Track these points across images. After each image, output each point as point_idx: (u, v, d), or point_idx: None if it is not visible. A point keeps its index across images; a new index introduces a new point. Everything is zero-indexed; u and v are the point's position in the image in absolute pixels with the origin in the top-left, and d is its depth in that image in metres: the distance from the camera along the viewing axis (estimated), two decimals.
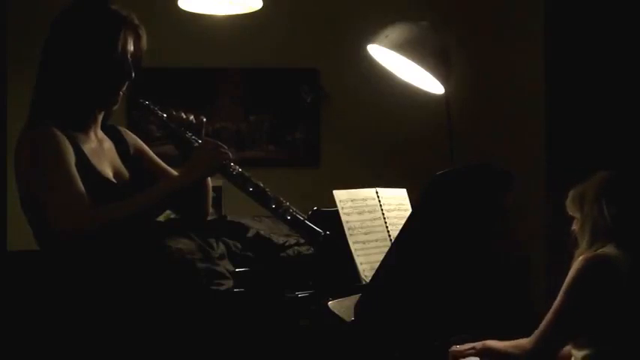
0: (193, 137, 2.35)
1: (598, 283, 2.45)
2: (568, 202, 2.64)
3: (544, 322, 2.47)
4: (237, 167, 2.35)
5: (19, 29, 4.31)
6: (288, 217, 2.32)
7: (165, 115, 2.34)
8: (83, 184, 2.14)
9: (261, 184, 2.36)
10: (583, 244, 2.58)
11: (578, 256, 2.55)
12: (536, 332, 2.47)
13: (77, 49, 2.21)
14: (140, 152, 2.44)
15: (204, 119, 2.40)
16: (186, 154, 2.32)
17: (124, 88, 2.29)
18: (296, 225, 2.33)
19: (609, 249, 2.52)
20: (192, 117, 2.36)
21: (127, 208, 2.15)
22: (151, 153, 2.46)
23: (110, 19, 2.23)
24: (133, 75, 2.26)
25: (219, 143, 2.32)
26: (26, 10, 4.30)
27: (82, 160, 2.18)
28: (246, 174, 2.36)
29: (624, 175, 2.62)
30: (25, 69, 4.19)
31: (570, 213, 2.65)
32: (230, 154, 2.33)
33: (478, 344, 2.53)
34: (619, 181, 2.59)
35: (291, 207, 2.34)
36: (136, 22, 2.28)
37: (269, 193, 2.34)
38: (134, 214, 2.15)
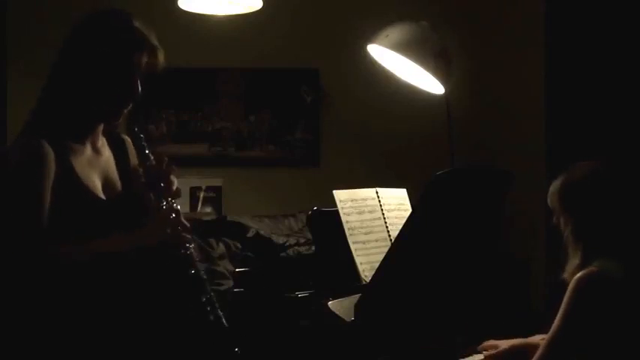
0: (163, 199, 2.27)
1: (596, 303, 2.33)
2: (551, 201, 2.50)
3: (546, 343, 2.37)
4: (191, 247, 2.27)
5: (19, 29, 4.31)
6: (211, 317, 2.23)
7: (154, 160, 2.30)
8: (66, 198, 2.15)
9: (203, 274, 2.28)
10: (575, 260, 2.44)
11: (571, 273, 2.42)
12: (538, 354, 2.39)
13: (91, 63, 2.20)
14: (134, 171, 2.39)
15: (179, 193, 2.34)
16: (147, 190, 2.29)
17: (129, 107, 2.27)
18: (216, 327, 2.26)
19: (603, 263, 2.38)
20: (175, 184, 2.31)
21: (73, 255, 2.14)
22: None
23: (129, 38, 2.21)
24: (139, 95, 2.24)
25: (182, 221, 2.26)
26: (26, 10, 4.30)
27: (67, 175, 2.17)
28: (194, 259, 2.28)
29: (610, 181, 2.47)
30: (25, 69, 4.21)
31: (552, 208, 2.52)
32: (187, 236, 2.26)
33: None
34: (606, 190, 2.45)
35: (218, 309, 2.24)
36: (153, 41, 2.25)
37: (206, 285, 2.26)
38: (79, 263, 2.15)
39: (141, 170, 2.28)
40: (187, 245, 2.25)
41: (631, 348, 2.36)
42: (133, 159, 2.37)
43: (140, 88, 2.24)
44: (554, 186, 2.49)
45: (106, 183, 2.27)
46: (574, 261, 2.44)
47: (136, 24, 2.23)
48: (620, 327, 2.35)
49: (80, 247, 2.15)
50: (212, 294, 2.25)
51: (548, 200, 2.51)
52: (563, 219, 2.48)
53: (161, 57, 2.27)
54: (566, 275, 2.45)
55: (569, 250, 2.46)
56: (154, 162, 2.28)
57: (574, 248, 2.45)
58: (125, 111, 2.27)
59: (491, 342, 2.60)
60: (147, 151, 2.28)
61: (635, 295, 2.37)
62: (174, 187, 2.28)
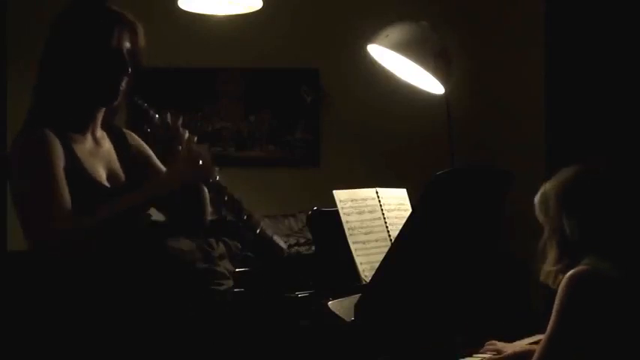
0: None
1: (588, 300, 2.30)
2: (536, 210, 2.50)
3: (543, 344, 2.34)
4: (217, 176, 2.38)
5: (19, 29, 4.31)
6: (257, 231, 2.38)
7: (159, 119, 2.35)
8: (73, 187, 2.16)
9: (236, 196, 2.40)
10: (550, 258, 2.43)
11: (548, 273, 2.42)
12: (536, 355, 2.37)
13: (73, 46, 2.23)
14: (142, 157, 2.42)
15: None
16: (168, 159, 2.34)
17: (123, 85, 2.29)
18: (263, 240, 2.36)
19: (592, 261, 2.35)
20: (186, 134, 2.37)
21: (104, 214, 2.16)
22: (154, 158, 2.44)
23: (104, 16, 2.26)
24: (129, 70, 2.27)
25: (202, 153, 2.33)
26: (26, 10, 4.30)
27: (73, 164, 2.19)
28: (222, 184, 2.40)
29: (590, 176, 2.44)
30: (25, 69, 4.20)
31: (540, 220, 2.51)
32: (210, 162, 2.34)
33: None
34: (584, 186, 2.43)
35: (262, 222, 2.39)
36: (131, 18, 2.30)
37: (243, 205, 2.40)
38: (112, 219, 2.17)
39: (150, 131, 2.34)
40: (213, 174, 2.36)
41: (628, 346, 2.35)
42: (133, 142, 2.41)
43: (130, 69, 2.26)
44: (535, 198, 2.51)
45: (110, 174, 2.29)
46: (550, 261, 2.44)
47: (108, 3, 2.30)
48: (615, 325, 2.35)
49: (114, 200, 2.19)
50: (247, 216, 2.39)
51: (537, 215, 2.52)
52: (542, 221, 2.49)
53: (141, 33, 2.31)
54: (542, 277, 2.45)
55: (547, 250, 2.46)
56: (159, 122, 2.32)
57: (550, 249, 2.45)
58: (121, 89, 2.29)
59: (493, 343, 2.59)
60: (151, 113, 2.33)
61: (629, 292, 2.36)
62: (186, 136, 2.36)
